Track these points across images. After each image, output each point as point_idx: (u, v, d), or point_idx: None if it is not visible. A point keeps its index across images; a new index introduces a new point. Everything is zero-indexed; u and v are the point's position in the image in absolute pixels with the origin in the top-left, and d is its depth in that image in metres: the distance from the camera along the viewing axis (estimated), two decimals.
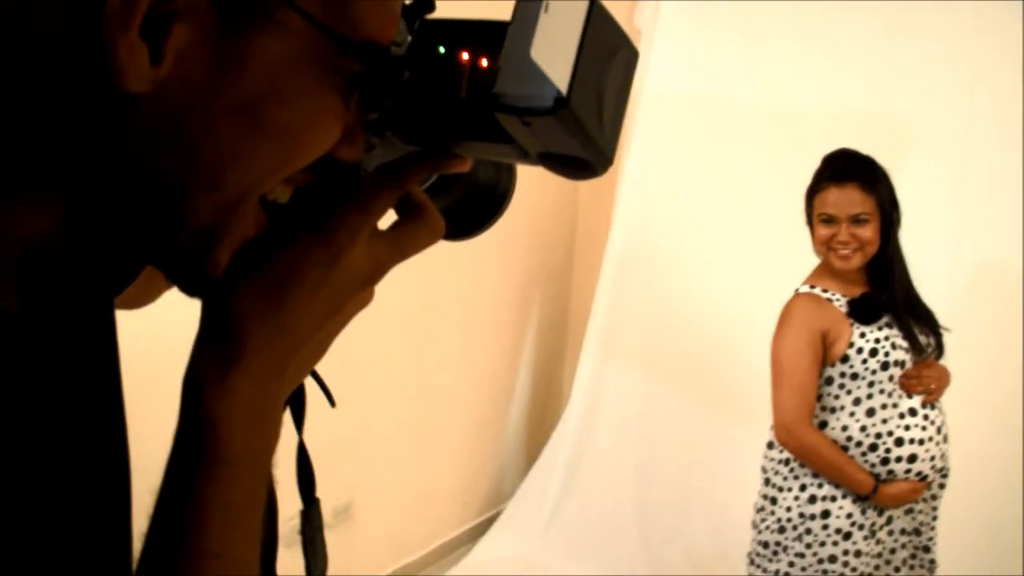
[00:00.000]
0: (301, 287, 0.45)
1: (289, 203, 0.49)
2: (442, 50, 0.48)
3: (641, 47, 3.51)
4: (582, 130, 0.44)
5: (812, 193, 2.06)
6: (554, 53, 0.42)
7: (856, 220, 1.98)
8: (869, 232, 1.98)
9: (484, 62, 0.46)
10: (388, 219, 0.51)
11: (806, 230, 2.10)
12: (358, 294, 0.48)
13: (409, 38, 0.49)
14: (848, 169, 2.02)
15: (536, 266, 3.70)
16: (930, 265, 2.05)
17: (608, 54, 0.45)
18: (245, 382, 0.44)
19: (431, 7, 0.51)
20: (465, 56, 0.47)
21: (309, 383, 0.58)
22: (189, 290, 0.47)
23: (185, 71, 0.39)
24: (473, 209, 0.60)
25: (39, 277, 0.42)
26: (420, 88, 0.48)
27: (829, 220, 2.00)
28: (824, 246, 2.03)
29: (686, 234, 3.41)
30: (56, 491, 0.41)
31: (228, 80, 0.40)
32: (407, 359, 3.02)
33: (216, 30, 0.39)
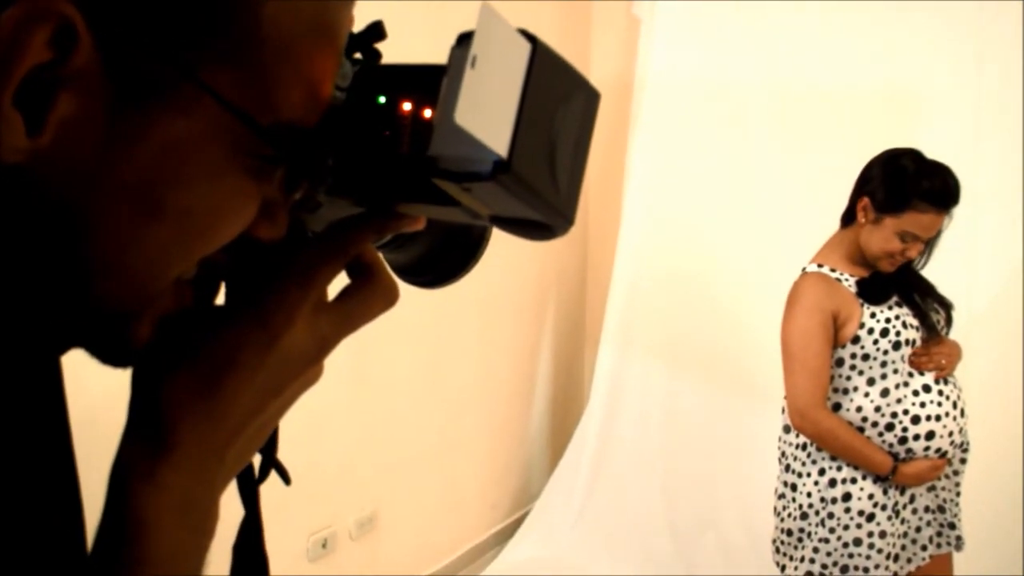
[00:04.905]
0: (235, 373, 0.41)
1: (226, 273, 0.45)
2: (382, 100, 0.42)
3: (641, 35, 3.51)
4: (531, 192, 0.38)
5: (903, 205, 1.91)
6: (490, 111, 0.36)
7: None
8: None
9: (427, 113, 0.40)
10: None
11: (818, 210, 2.04)
12: (302, 375, 0.44)
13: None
14: (955, 197, 1.92)
15: (550, 263, 3.70)
16: (941, 242, 2.02)
17: (560, 100, 0.39)
18: (176, 476, 0.40)
19: (381, 34, 0.46)
20: (407, 107, 0.41)
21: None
22: (114, 364, 0.43)
23: (71, 144, 0.35)
24: (447, 255, 0.55)
25: None
26: (358, 144, 0.42)
27: (913, 238, 1.93)
28: (887, 255, 1.96)
29: (697, 222, 3.41)
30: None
31: (122, 157, 0.36)
32: (426, 364, 3.02)
33: (110, 102, 0.35)
